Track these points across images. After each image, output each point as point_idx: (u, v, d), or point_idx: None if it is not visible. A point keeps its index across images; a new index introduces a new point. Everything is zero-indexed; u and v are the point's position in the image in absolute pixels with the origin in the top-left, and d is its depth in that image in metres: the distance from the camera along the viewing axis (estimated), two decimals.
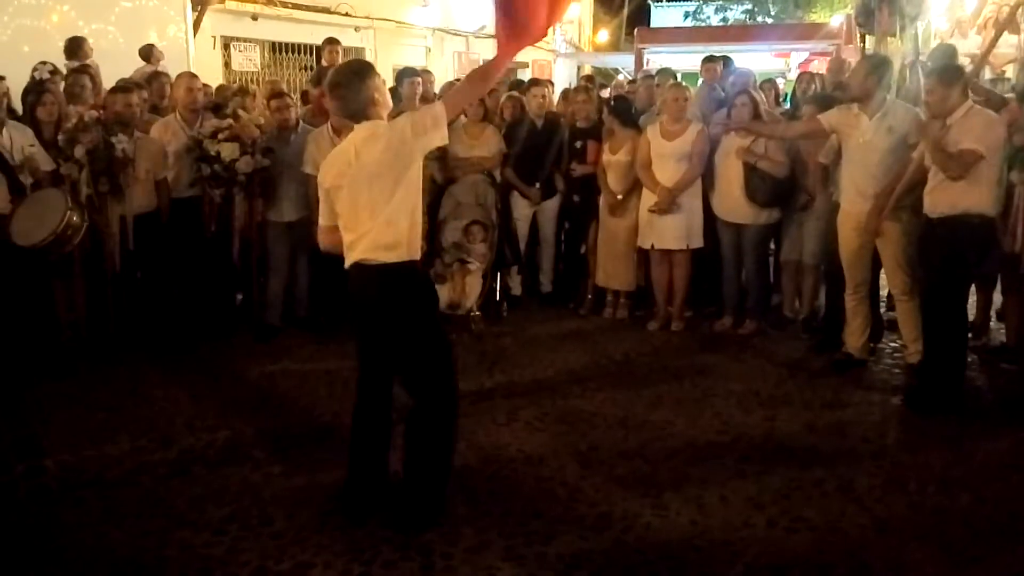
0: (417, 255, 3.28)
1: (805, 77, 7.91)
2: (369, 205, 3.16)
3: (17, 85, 6.02)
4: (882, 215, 4.78)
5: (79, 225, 4.80)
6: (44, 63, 6.35)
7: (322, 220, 3.38)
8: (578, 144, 6.41)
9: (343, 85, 3.20)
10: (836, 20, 13.63)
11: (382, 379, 3.42)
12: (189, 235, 5.61)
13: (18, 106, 5.92)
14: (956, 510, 3.54)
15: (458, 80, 7.82)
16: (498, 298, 6.49)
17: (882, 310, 5.79)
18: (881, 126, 4.80)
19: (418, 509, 3.36)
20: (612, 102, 6.73)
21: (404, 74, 7.10)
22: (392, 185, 3.15)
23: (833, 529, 3.38)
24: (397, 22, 15.90)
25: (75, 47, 7.36)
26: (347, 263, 3.29)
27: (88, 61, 7.11)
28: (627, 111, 6.33)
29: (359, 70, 3.27)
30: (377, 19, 15.22)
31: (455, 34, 17.66)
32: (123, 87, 5.48)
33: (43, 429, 4.29)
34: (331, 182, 3.24)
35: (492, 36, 19.00)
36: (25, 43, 8.60)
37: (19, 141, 4.94)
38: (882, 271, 5.21)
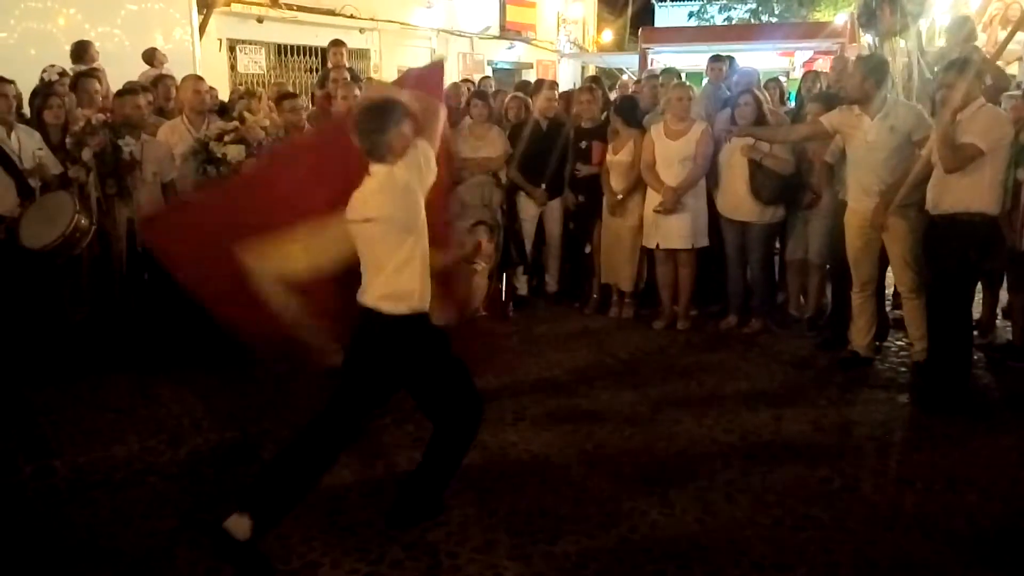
0: (427, 306, 3.20)
1: (810, 76, 7.89)
2: (381, 255, 3.12)
3: (24, 88, 6.05)
4: (887, 211, 4.78)
5: (87, 228, 4.83)
6: (52, 66, 6.38)
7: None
8: (583, 144, 6.41)
9: (366, 124, 3.12)
10: (840, 19, 13.60)
11: (351, 421, 3.32)
12: None
13: (26, 110, 5.95)
14: (963, 508, 3.54)
15: (466, 81, 7.85)
16: (504, 298, 6.51)
17: (888, 308, 5.79)
18: (883, 126, 4.80)
19: (416, 503, 3.38)
20: (618, 102, 6.74)
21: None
22: (402, 236, 3.09)
23: (840, 527, 3.38)
24: (401, 23, 15.91)
25: (81, 51, 7.40)
26: (359, 300, 3.20)
27: (95, 64, 7.14)
28: (631, 110, 6.33)
29: (386, 113, 3.14)
30: (381, 21, 15.24)
31: (459, 35, 17.67)
32: (130, 90, 5.51)
33: (52, 430, 4.31)
34: (350, 221, 3.17)
35: (496, 37, 19.09)
36: (32, 46, 8.64)
37: (28, 144, 4.98)
38: (888, 269, 5.20)
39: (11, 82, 4.99)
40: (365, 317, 3.17)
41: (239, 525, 2.98)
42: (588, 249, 6.62)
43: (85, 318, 5.43)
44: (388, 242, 3.10)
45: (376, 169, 3.13)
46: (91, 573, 3.10)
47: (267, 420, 4.45)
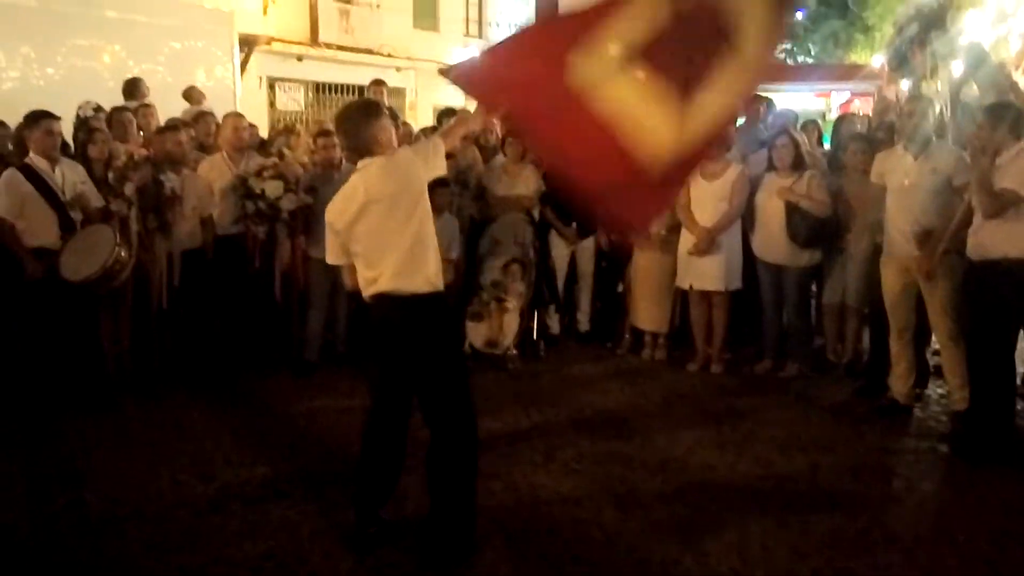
0: (442, 285, 3.33)
1: (846, 119, 7.84)
2: (389, 236, 3.20)
3: (70, 125, 6.20)
4: (934, 257, 4.70)
5: (126, 261, 4.90)
6: (88, 102, 6.54)
7: (333, 259, 3.45)
8: None
9: (348, 121, 3.35)
10: (877, 60, 13.55)
11: (400, 410, 3.43)
12: (233, 271, 5.70)
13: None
14: (1007, 563, 3.42)
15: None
16: (535, 337, 6.49)
17: (928, 355, 5.68)
18: (925, 167, 4.75)
19: (444, 543, 3.35)
20: None
21: (445, 115, 7.20)
22: (408, 213, 3.21)
23: None
24: (437, 63, 16.15)
25: (133, 87, 7.59)
26: (368, 294, 3.32)
27: (146, 101, 7.31)
28: None
29: (365, 109, 3.40)
30: (418, 60, 15.50)
31: None
32: (171, 126, 5.63)
33: (85, 462, 4.34)
34: (343, 223, 3.28)
35: None
36: (77, 83, 8.88)
37: (71, 178, 5.08)
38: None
39: (58, 119, 5.11)
40: (381, 304, 3.26)
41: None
42: (620, 288, 6.59)
43: (121, 351, 5.49)
44: (396, 219, 3.18)
45: (367, 161, 3.26)
46: None
47: (298, 456, 4.45)
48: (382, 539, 3.46)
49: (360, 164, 3.30)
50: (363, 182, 3.24)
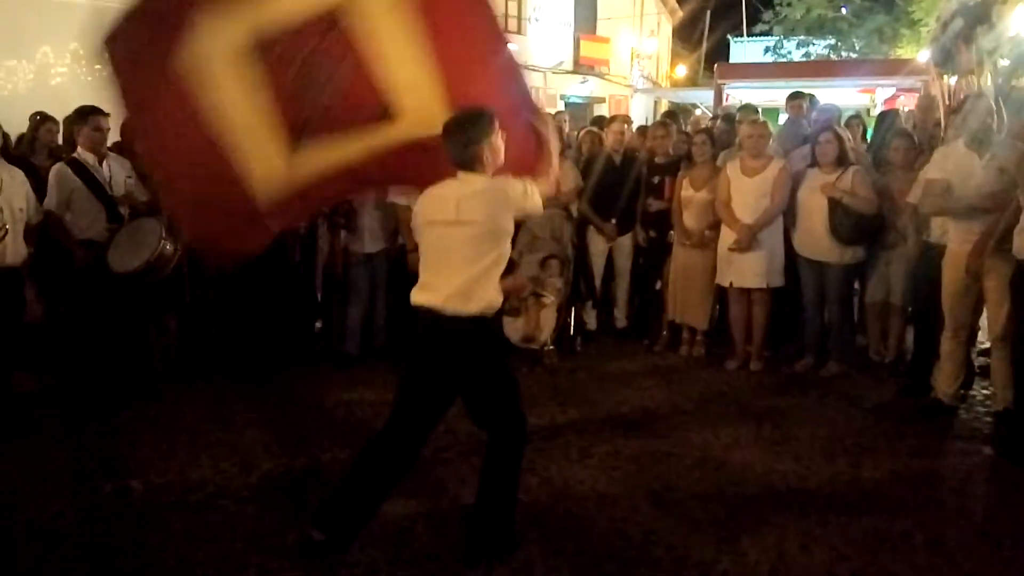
0: (492, 312, 3.25)
1: (889, 115, 7.70)
2: (463, 259, 3.16)
3: (117, 120, 6.30)
4: (983, 255, 4.60)
5: (172, 253, 4.98)
6: None
7: (412, 245, 3.42)
8: (655, 179, 6.39)
9: (458, 131, 3.17)
10: (923, 55, 13.28)
11: (421, 431, 3.33)
12: (274, 265, 5.77)
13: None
14: None
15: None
16: (572, 332, 6.48)
17: (973, 355, 5.57)
18: (991, 167, 4.63)
19: (488, 539, 3.35)
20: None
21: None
22: (490, 246, 3.17)
23: None
24: None
25: None
26: (419, 300, 3.26)
27: None
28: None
29: (480, 122, 3.17)
30: None
31: (533, 69, 17.88)
32: None
33: (130, 451, 4.44)
34: (425, 221, 3.26)
35: (569, 72, 19.19)
36: None
37: (119, 173, 5.17)
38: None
39: (107, 114, 5.20)
40: (427, 317, 3.21)
41: (314, 532, 3.18)
42: (658, 285, 6.56)
43: (167, 342, 5.60)
44: (474, 246, 3.16)
45: (468, 176, 3.18)
46: None
47: (337, 447, 4.49)
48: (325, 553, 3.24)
49: (460, 176, 3.20)
50: (457, 199, 3.16)
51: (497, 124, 3.20)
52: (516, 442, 3.37)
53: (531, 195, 3.25)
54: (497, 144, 3.20)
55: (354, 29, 3.22)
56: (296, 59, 3.18)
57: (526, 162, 3.38)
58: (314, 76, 3.22)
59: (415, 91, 3.32)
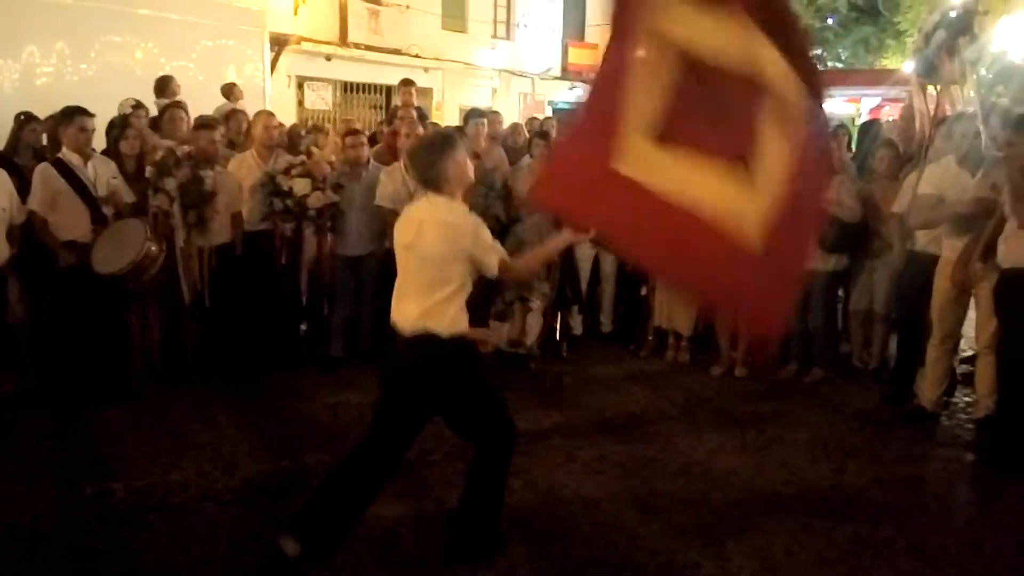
0: (464, 328, 3.23)
1: (872, 125, 7.76)
2: (421, 286, 3.19)
3: (102, 120, 6.27)
4: (969, 265, 4.64)
5: (156, 255, 4.96)
6: (128, 99, 6.61)
7: None
8: None
9: (420, 153, 3.25)
10: (908, 66, 13.41)
11: (395, 439, 3.30)
12: (260, 267, 5.75)
13: (101, 139, 6.16)
14: None
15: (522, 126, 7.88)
16: (558, 337, 6.49)
17: (955, 363, 5.60)
18: (984, 184, 4.66)
19: (471, 540, 3.36)
20: None
21: (471, 115, 7.21)
22: (447, 272, 3.17)
23: None
24: (465, 63, 16.21)
25: (163, 85, 7.67)
26: (392, 318, 3.27)
27: (177, 98, 7.38)
28: None
29: (440, 144, 3.24)
30: (445, 60, 15.55)
31: (521, 75, 17.92)
32: (207, 124, 5.67)
33: (112, 452, 4.40)
34: (400, 241, 3.27)
35: (557, 78, 19.20)
36: (110, 80, 8.99)
37: (103, 173, 5.14)
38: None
39: (92, 115, 5.18)
40: (402, 340, 3.21)
41: (287, 545, 3.08)
42: (644, 291, 6.57)
43: (150, 344, 5.55)
44: (432, 276, 3.16)
45: (435, 199, 3.20)
46: None
47: (322, 450, 4.47)
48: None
49: (430, 196, 3.22)
50: (420, 222, 3.19)
51: (459, 144, 3.24)
52: (504, 449, 3.37)
53: (492, 254, 3.22)
54: (460, 161, 3.22)
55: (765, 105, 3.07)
56: (690, 115, 3.04)
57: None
58: (708, 115, 3.06)
59: (770, 163, 3.09)
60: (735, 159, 3.01)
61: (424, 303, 3.17)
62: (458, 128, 7.36)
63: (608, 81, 3.12)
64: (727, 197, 2.98)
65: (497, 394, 3.44)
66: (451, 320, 3.18)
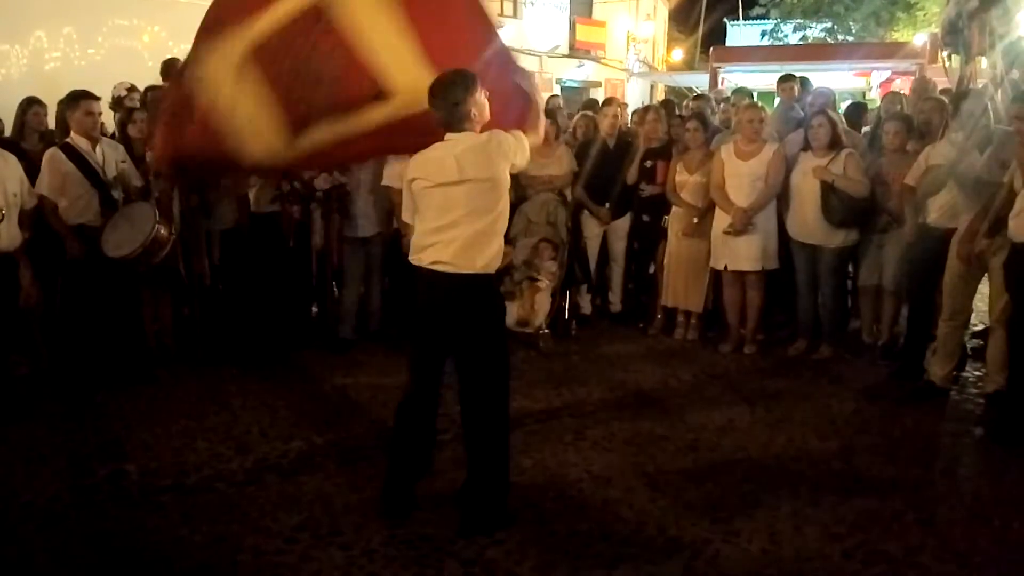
0: (494, 269, 3.37)
1: (889, 98, 7.68)
2: (468, 216, 3.24)
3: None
4: (975, 240, 4.61)
5: (166, 238, 4.98)
6: (121, 83, 6.62)
7: (408, 217, 3.49)
8: (648, 164, 6.38)
9: (446, 90, 3.24)
10: (919, 39, 13.26)
11: (434, 386, 3.53)
12: (269, 250, 5.77)
13: (110, 123, 6.19)
14: None
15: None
16: (567, 316, 6.50)
17: (966, 338, 5.59)
18: (994, 162, 4.62)
19: (479, 514, 3.41)
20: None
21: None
22: (496, 197, 3.27)
23: (913, 563, 3.26)
24: None
25: (170, 69, 7.63)
26: (419, 261, 3.34)
27: None
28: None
29: (464, 80, 3.25)
30: None
31: (529, 54, 17.81)
32: None
33: (125, 434, 4.45)
34: (423, 183, 3.30)
35: (565, 56, 19.12)
36: (118, 63, 9.00)
37: (112, 157, 5.16)
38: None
39: (98, 98, 5.19)
40: (432, 276, 3.30)
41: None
42: (652, 269, 6.57)
43: (161, 327, 5.60)
44: (480, 202, 3.24)
45: (457, 136, 3.25)
46: (158, 575, 3.17)
47: (332, 430, 4.51)
48: (410, 510, 3.54)
49: (450, 137, 3.26)
50: (456, 157, 3.22)
51: (479, 82, 3.28)
52: (499, 416, 3.43)
53: (522, 146, 3.35)
54: (482, 101, 3.29)
55: (338, 20, 3.44)
56: (287, 57, 3.43)
57: (515, 117, 3.53)
58: (307, 70, 3.44)
59: (404, 70, 3.47)
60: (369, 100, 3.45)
61: (466, 236, 3.24)
62: None
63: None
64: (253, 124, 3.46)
65: (508, 365, 3.52)
66: (492, 254, 3.30)
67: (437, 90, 3.24)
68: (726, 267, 5.90)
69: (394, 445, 3.60)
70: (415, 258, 3.37)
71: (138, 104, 6.13)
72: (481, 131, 3.29)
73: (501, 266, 3.50)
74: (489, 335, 3.41)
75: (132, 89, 6.50)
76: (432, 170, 3.28)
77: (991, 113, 4.86)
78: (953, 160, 4.84)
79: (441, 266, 3.28)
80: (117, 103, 6.32)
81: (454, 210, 3.25)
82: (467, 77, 3.26)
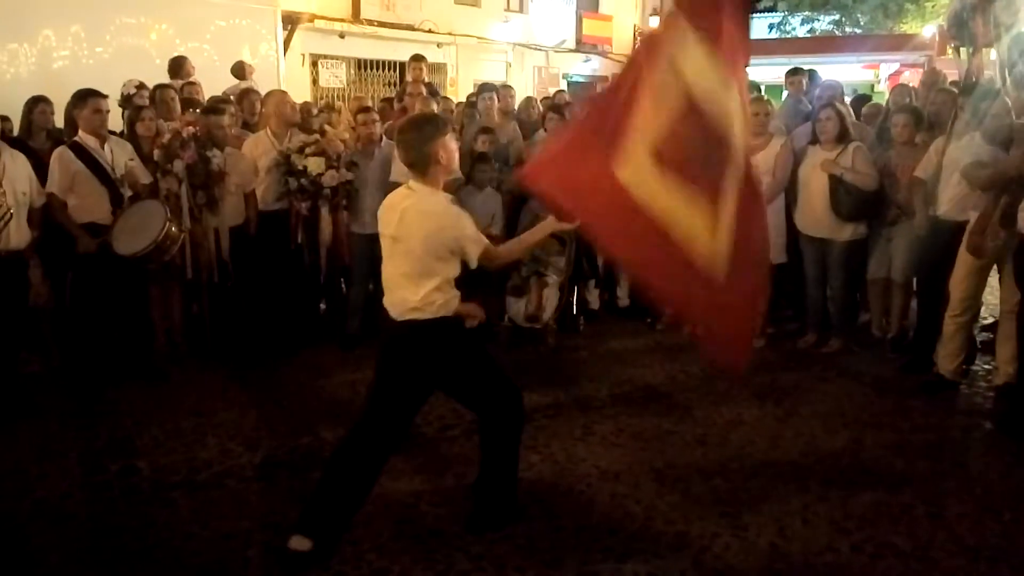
0: (449, 311, 3.20)
1: (898, 90, 7.63)
2: (404, 275, 3.18)
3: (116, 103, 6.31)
4: (985, 233, 4.58)
5: (177, 236, 5.01)
6: (131, 80, 6.65)
7: None
8: None
9: (409, 134, 3.18)
10: (928, 31, 13.19)
11: (391, 420, 3.32)
12: (277, 247, 5.79)
13: (118, 121, 6.20)
14: None
15: (533, 100, 7.84)
16: (575, 311, 6.49)
17: (976, 331, 5.56)
18: (1014, 156, 4.60)
19: (489, 509, 3.42)
20: None
21: (482, 90, 7.20)
22: (431, 266, 3.14)
23: (922, 557, 3.26)
24: (478, 38, 16.09)
25: (178, 66, 7.69)
26: (385, 302, 3.29)
27: (192, 79, 7.41)
28: None
29: (424, 125, 3.20)
30: (459, 35, 15.45)
31: (536, 49, 17.77)
32: (213, 108, 5.70)
33: (136, 431, 4.47)
34: (384, 231, 3.26)
35: (572, 50, 19.07)
36: (126, 61, 9.03)
37: (120, 155, 5.18)
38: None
39: (106, 96, 5.20)
40: (391, 323, 3.25)
41: (300, 543, 3.13)
42: None
43: (171, 324, 5.63)
44: (414, 266, 3.14)
45: (419, 187, 3.17)
46: (170, 571, 3.19)
47: (341, 426, 4.50)
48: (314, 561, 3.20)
49: (411, 184, 3.20)
50: (401, 210, 3.16)
51: (449, 129, 3.22)
52: (509, 417, 3.40)
53: (474, 245, 3.18)
54: (450, 147, 3.19)
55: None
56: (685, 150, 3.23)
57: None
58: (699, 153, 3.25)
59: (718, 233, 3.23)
60: (708, 198, 3.17)
61: (410, 296, 3.15)
62: (468, 104, 7.35)
63: (629, 88, 3.23)
64: (696, 229, 3.16)
65: (495, 364, 3.44)
66: (437, 308, 3.17)
67: (405, 128, 3.22)
68: None
69: (334, 476, 3.31)
70: (385, 298, 3.33)
71: (147, 102, 6.15)
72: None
73: (467, 316, 3.38)
74: (455, 372, 3.32)
75: (141, 87, 6.52)
76: (382, 217, 3.25)
77: (1010, 108, 4.83)
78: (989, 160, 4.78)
79: (390, 313, 3.24)
80: (126, 101, 6.34)
81: (393, 265, 3.21)
82: (433, 121, 3.25)
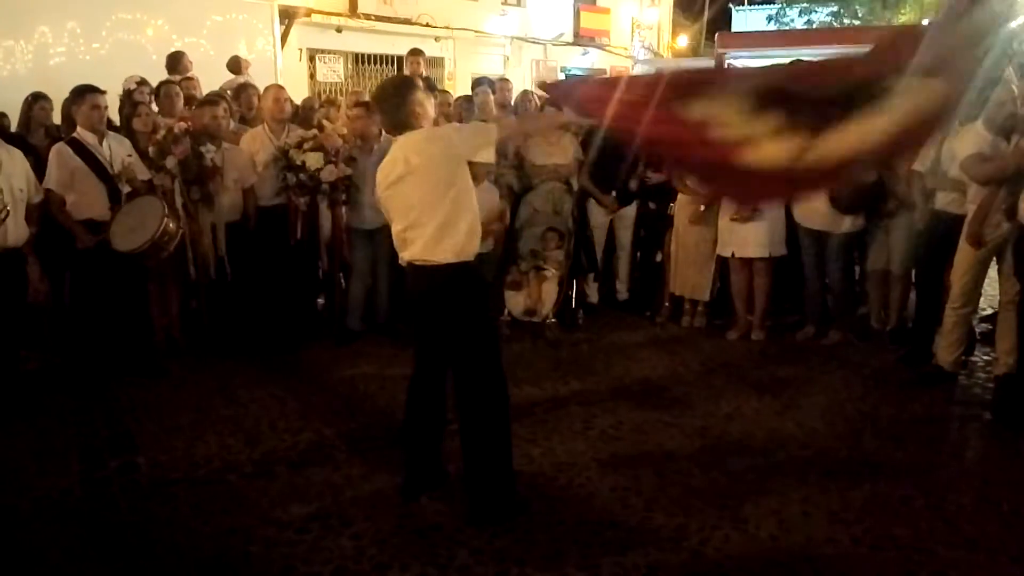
0: (471, 257, 3.40)
1: None
2: (424, 205, 3.31)
3: (114, 98, 6.29)
4: (983, 224, 4.58)
5: (175, 231, 5.00)
6: (132, 76, 6.63)
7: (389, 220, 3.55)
8: None
9: (385, 99, 3.47)
10: (926, 22, 13.15)
11: (436, 374, 3.58)
12: (275, 242, 5.78)
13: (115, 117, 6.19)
14: None
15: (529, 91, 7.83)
16: (574, 305, 6.49)
17: (975, 322, 5.56)
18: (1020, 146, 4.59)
19: (483, 504, 3.43)
20: None
21: (478, 83, 7.18)
22: (445, 186, 3.30)
23: (921, 548, 3.26)
24: (476, 31, 16.04)
25: (175, 61, 7.66)
26: (402, 259, 3.46)
27: (189, 74, 7.39)
28: None
29: (400, 86, 3.52)
30: (456, 29, 15.40)
31: (533, 42, 17.72)
32: (208, 101, 5.69)
33: (136, 427, 4.47)
34: (382, 188, 3.42)
35: (570, 43, 19.03)
36: (122, 57, 8.99)
37: (118, 151, 5.17)
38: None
39: (103, 93, 5.19)
40: (411, 271, 3.43)
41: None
42: (659, 257, 6.55)
43: (169, 320, 5.62)
44: (431, 190, 3.29)
45: (409, 133, 3.36)
46: (170, 567, 3.19)
47: (340, 422, 4.53)
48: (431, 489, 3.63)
49: (397, 138, 3.42)
50: (403, 151, 3.34)
51: (417, 85, 3.44)
52: (493, 406, 3.43)
53: (480, 136, 3.46)
54: (424, 100, 3.41)
55: None
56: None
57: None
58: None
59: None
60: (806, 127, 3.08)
61: (428, 231, 3.30)
62: (466, 97, 7.33)
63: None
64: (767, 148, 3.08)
65: (498, 350, 3.54)
66: (460, 242, 3.33)
67: (380, 95, 3.52)
68: (733, 254, 5.89)
69: (405, 429, 3.69)
70: (401, 257, 3.49)
71: (147, 98, 6.14)
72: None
73: (486, 238, 3.54)
74: (469, 322, 3.45)
75: (142, 83, 6.50)
76: (385, 173, 3.41)
77: (1015, 95, 4.82)
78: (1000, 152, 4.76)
79: (418, 261, 3.38)
80: (127, 96, 6.32)
81: (411, 209, 3.34)
82: (405, 81, 3.58)
